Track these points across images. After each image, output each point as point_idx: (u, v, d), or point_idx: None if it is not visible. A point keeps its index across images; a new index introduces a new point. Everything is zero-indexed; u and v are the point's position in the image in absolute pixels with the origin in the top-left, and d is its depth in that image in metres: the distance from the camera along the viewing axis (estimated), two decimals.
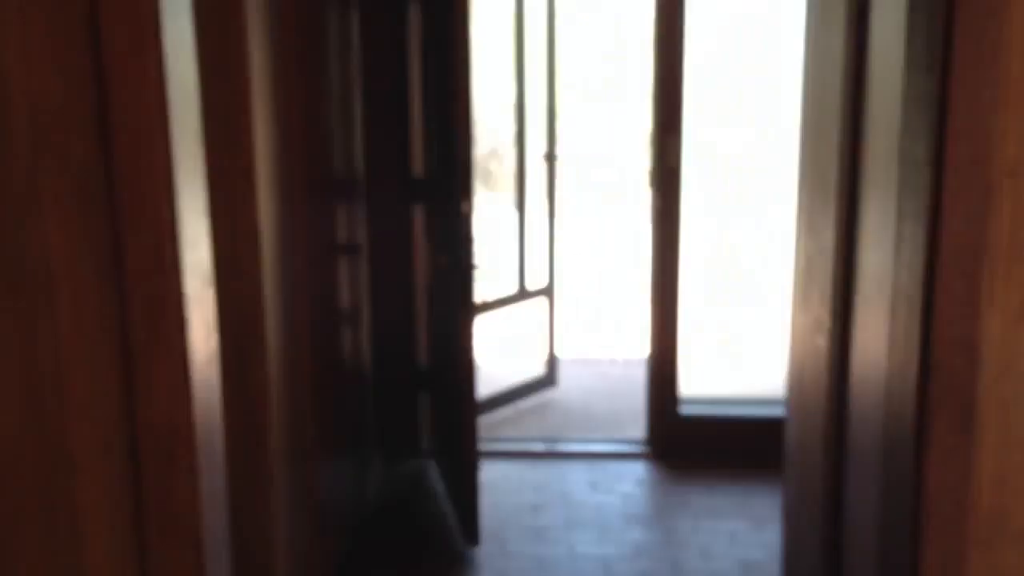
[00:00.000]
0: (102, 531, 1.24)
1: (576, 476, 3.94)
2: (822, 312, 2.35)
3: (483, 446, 4.17)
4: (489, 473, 3.94)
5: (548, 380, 4.93)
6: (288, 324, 2.38)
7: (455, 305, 3.22)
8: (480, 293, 4.62)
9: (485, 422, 4.47)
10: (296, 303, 2.47)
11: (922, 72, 1.65)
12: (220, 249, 2.09)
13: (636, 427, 4.34)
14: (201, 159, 1.29)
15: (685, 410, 4.14)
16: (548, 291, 4.90)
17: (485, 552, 3.33)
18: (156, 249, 1.18)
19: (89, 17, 1.14)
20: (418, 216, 3.73)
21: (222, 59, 2.02)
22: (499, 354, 4.99)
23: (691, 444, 4.12)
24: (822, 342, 2.35)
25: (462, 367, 3.22)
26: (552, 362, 4.95)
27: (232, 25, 2.01)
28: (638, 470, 4.01)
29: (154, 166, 1.16)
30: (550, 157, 4.85)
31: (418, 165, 3.70)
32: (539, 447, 4.22)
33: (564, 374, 5.05)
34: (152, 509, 1.25)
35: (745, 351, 4.92)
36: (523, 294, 4.79)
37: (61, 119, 1.14)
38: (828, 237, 2.26)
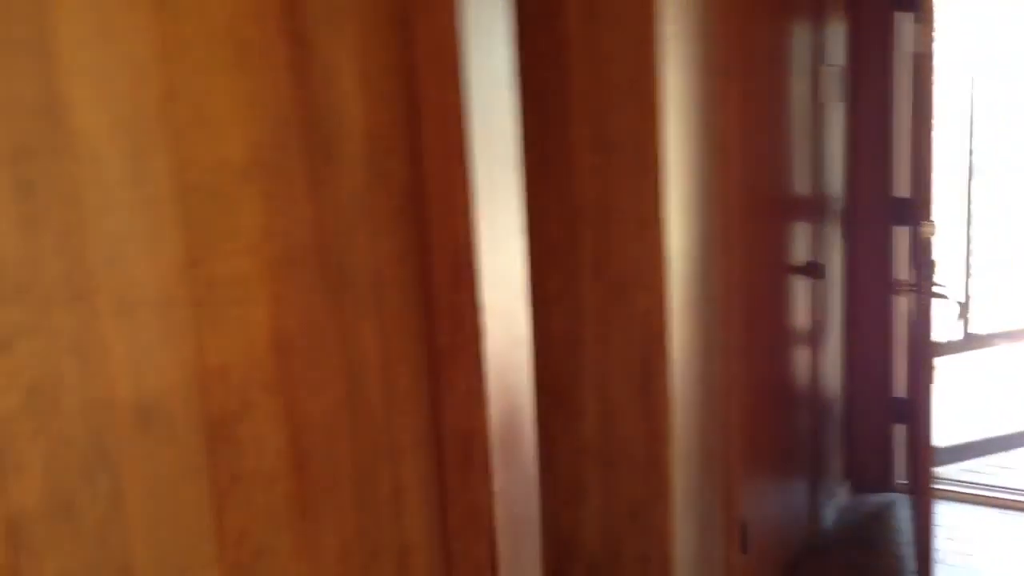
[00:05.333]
0: (418, 512, 1.38)
1: None
2: None
3: (975, 491, 3.79)
4: (974, 522, 3.56)
5: None
6: (706, 340, 2.39)
7: (918, 336, 2.99)
8: (987, 324, 4.20)
9: (987, 464, 4.05)
10: (721, 320, 2.48)
11: None
12: (628, 267, 2.19)
13: None
14: (515, 182, 1.38)
15: None
16: None
17: None
18: (453, 263, 1.30)
19: (408, 66, 1.29)
20: (902, 239, 3.51)
21: (633, 78, 2.10)
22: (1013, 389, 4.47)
23: None
24: None
25: (918, 401, 2.98)
26: None
27: (643, 45, 2.08)
28: None
29: (453, 189, 1.28)
30: None
31: (903, 185, 3.48)
32: None
33: None
34: (452, 501, 1.37)
35: None
36: None
37: (387, 146, 1.30)
38: None
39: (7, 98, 0.87)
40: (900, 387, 3.61)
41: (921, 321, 2.91)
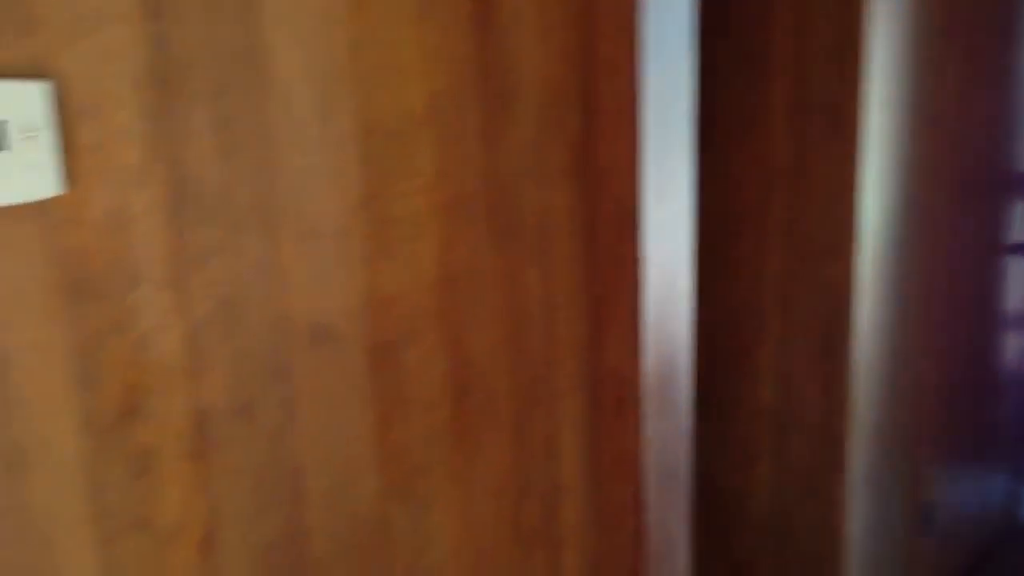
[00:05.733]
0: (570, 454, 1.45)
1: None
2: None
3: None
4: None
5: None
6: (897, 313, 2.33)
7: None
8: None
9: None
10: (916, 294, 2.40)
11: None
12: (819, 233, 2.16)
13: None
14: (686, 141, 1.41)
15: None
16: None
17: None
18: (619, 216, 1.34)
19: (586, 20, 1.33)
20: None
21: (838, 39, 2.06)
22: None
23: None
24: None
25: None
26: None
27: (851, 4, 2.04)
28: None
29: (623, 144, 1.32)
30: None
31: None
32: None
33: None
34: (604, 446, 1.43)
35: None
36: None
37: (560, 98, 1.36)
38: None
39: (216, 41, 0.98)
40: None
41: None
